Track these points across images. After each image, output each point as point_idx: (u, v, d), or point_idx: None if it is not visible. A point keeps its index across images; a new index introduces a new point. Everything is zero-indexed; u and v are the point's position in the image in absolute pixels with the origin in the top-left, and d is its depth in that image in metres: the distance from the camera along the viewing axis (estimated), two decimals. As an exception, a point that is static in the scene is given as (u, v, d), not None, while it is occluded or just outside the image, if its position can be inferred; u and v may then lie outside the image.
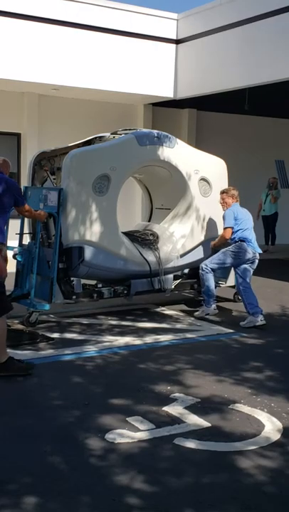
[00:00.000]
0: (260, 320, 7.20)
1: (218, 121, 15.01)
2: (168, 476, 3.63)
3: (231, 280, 8.50)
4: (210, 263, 7.60)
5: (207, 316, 7.54)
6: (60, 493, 3.44)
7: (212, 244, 7.94)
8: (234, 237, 7.47)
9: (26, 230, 7.71)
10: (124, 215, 8.12)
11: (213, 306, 7.58)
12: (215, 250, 7.97)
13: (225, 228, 7.52)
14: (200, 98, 12.68)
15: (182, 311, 8.10)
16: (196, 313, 7.68)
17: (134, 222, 9.24)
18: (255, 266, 7.53)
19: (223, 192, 7.78)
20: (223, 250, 7.58)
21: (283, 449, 4.03)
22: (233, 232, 7.47)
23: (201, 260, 8.31)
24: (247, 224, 7.55)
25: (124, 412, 4.54)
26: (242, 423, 4.43)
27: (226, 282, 8.56)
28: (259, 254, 7.59)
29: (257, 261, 7.50)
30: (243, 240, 7.42)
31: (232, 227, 7.47)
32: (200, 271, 7.65)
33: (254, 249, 7.48)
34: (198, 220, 8.21)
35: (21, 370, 5.39)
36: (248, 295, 7.35)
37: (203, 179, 8.23)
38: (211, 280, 7.57)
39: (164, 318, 7.72)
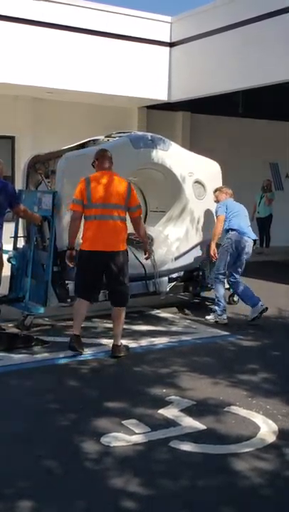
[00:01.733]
0: (260, 305, 7.44)
1: (212, 124, 15.04)
2: (163, 479, 3.62)
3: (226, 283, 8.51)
4: (217, 271, 7.62)
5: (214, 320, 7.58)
6: (56, 497, 3.43)
7: (212, 249, 7.73)
8: (225, 227, 7.64)
9: (21, 233, 7.70)
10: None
11: (224, 315, 7.53)
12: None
13: (217, 216, 7.69)
14: (194, 101, 12.70)
15: (177, 313, 8.09)
16: (208, 316, 7.67)
17: (129, 225, 9.22)
18: (250, 252, 7.65)
19: (215, 190, 7.94)
20: (219, 253, 7.64)
21: (279, 451, 4.03)
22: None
23: (195, 263, 8.32)
24: (238, 214, 7.70)
25: (120, 415, 4.53)
26: (237, 425, 4.42)
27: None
28: (254, 241, 7.78)
29: (251, 246, 7.65)
30: (232, 229, 7.55)
31: (224, 215, 7.63)
32: (213, 281, 7.76)
33: (248, 236, 7.62)
34: (193, 222, 8.21)
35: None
36: (239, 288, 7.60)
37: (197, 182, 8.23)
38: (220, 290, 7.58)
39: (159, 320, 7.72)
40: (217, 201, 7.88)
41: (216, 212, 7.78)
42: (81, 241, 6.06)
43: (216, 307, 7.59)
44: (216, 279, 7.67)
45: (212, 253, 7.70)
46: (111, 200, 5.93)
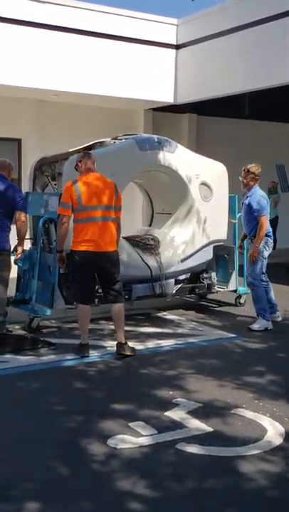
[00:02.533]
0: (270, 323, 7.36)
1: (218, 126, 15.02)
2: (170, 482, 3.62)
3: (232, 284, 8.50)
4: (256, 276, 7.33)
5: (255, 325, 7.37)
6: (62, 498, 3.43)
7: (254, 250, 7.28)
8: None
9: (27, 235, 7.70)
10: (125, 220, 8.10)
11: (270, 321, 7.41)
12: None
13: (262, 216, 7.26)
14: (200, 103, 12.69)
15: (183, 315, 8.09)
16: (254, 325, 7.33)
17: (135, 227, 9.23)
18: None
19: (248, 172, 7.41)
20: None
21: (286, 453, 4.02)
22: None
23: (202, 265, 8.31)
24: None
25: (126, 418, 4.53)
26: (244, 428, 4.42)
27: (227, 287, 8.55)
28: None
29: None
30: (268, 234, 7.39)
31: (267, 216, 7.34)
32: (251, 287, 7.47)
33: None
34: (199, 224, 8.20)
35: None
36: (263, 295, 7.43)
37: (203, 183, 8.23)
38: (264, 295, 7.41)
39: (165, 322, 7.71)
40: (247, 185, 7.40)
41: (259, 208, 7.26)
42: (71, 243, 6.11)
43: (263, 313, 7.36)
44: (257, 285, 7.34)
45: (254, 256, 7.27)
46: (102, 202, 6.03)
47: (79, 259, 6.04)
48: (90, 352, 6.13)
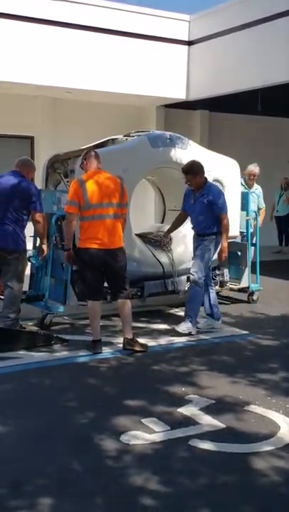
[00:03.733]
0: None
1: (230, 122, 14.99)
2: (183, 478, 3.62)
3: (244, 281, 8.48)
4: (202, 273, 6.87)
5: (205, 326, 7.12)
6: (75, 494, 3.45)
7: (223, 254, 7.03)
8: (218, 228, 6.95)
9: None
10: (137, 216, 8.11)
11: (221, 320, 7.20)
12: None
13: (225, 213, 6.87)
14: (212, 99, 12.68)
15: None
16: (200, 324, 7.09)
17: (148, 224, 9.24)
18: None
19: (189, 173, 6.88)
20: (201, 249, 6.90)
21: (298, 450, 4.02)
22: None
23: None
24: None
25: (139, 414, 4.55)
26: (257, 424, 4.42)
27: (239, 284, 8.54)
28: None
29: None
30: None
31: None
32: (194, 285, 6.91)
33: None
34: (212, 221, 8.18)
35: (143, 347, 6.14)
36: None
37: (215, 180, 8.19)
38: (201, 295, 7.04)
39: (178, 319, 7.70)
40: (197, 184, 6.91)
41: (223, 205, 6.86)
42: (78, 241, 6.15)
43: (193, 316, 6.89)
44: (201, 286, 6.91)
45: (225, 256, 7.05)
46: (108, 199, 6.04)
47: (86, 257, 6.06)
48: (103, 348, 6.15)
